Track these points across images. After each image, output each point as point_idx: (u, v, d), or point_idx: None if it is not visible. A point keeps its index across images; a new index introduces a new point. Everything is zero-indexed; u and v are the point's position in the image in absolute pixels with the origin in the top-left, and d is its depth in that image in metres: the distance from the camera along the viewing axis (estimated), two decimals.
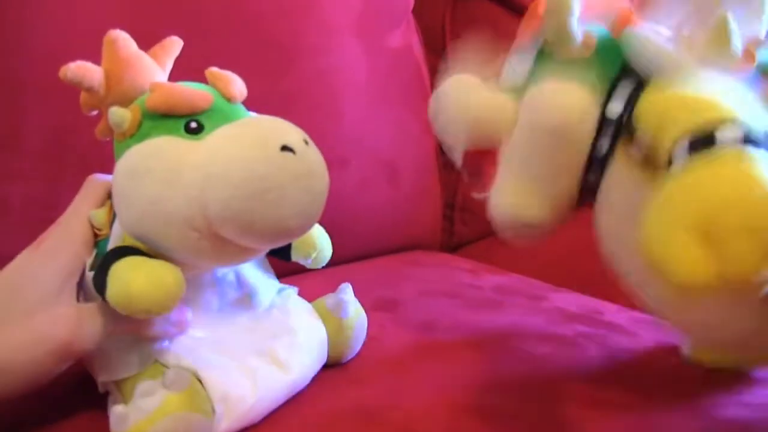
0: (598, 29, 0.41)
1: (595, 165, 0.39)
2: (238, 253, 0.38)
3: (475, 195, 0.44)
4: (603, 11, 0.42)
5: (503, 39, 0.88)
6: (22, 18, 0.57)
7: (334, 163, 0.38)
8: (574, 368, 0.44)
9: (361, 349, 0.47)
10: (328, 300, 0.45)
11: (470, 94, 0.43)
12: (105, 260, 0.35)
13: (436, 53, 0.90)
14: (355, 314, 0.45)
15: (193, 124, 0.36)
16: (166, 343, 0.38)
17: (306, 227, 0.37)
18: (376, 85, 0.74)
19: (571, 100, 0.38)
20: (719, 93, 0.34)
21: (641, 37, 0.39)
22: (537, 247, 0.66)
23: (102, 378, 0.39)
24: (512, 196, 0.41)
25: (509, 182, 0.41)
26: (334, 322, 0.44)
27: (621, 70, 0.39)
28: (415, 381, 0.43)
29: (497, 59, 0.44)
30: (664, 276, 0.29)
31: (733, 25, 0.36)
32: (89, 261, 0.39)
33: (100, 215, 0.39)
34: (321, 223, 0.42)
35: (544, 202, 0.40)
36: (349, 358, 0.45)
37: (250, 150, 0.34)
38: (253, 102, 0.41)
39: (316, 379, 0.43)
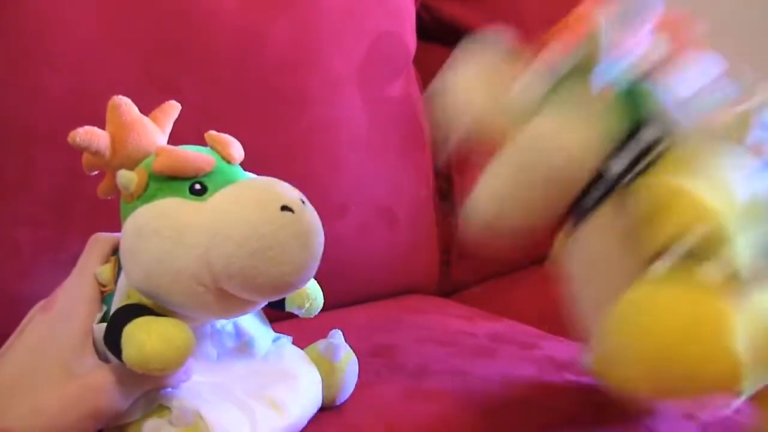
0: (624, 72, 0.41)
1: (579, 210, 0.40)
2: (241, 306, 0.40)
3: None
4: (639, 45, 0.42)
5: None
6: (37, 65, 0.59)
7: (333, 210, 0.40)
8: (561, 417, 0.45)
9: (357, 394, 0.48)
10: (320, 345, 0.47)
11: (482, 84, 0.43)
12: (115, 320, 0.37)
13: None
14: (346, 358, 0.47)
15: (198, 186, 0.39)
16: (169, 390, 0.40)
17: (304, 281, 0.39)
18: (375, 134, 0.76)
19: (575, 149, 0.39)
20: (727, 194, 0.34)
21: (664, 89, 0.40)
22: (532, 292, 0.68)
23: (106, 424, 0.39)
24: (490, 204, 0.42)
25: (490, 189, 0.42)
26: (326, 365, 0.46)
27: (638, 119, 0.40)
28: (407, 427, 0.44)
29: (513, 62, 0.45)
30: (608, 381, 0.31)
31: (756, 118, 0.37)
32: (99, 316, 0.40)
33: (106, 271, 0.41)
34: (320, 268, 0.43)
35: (519, 219, 0.41)
36: (342, 400, 0.47)
37: (252, 210, 0.36)
38: (258, 151, 0.44)
39: (312, 423, 0.44)
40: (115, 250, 0.42)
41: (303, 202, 0.38)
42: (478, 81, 0.44)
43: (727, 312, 0.30)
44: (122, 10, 0.63)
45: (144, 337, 0.36)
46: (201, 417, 0.38)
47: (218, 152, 0.41)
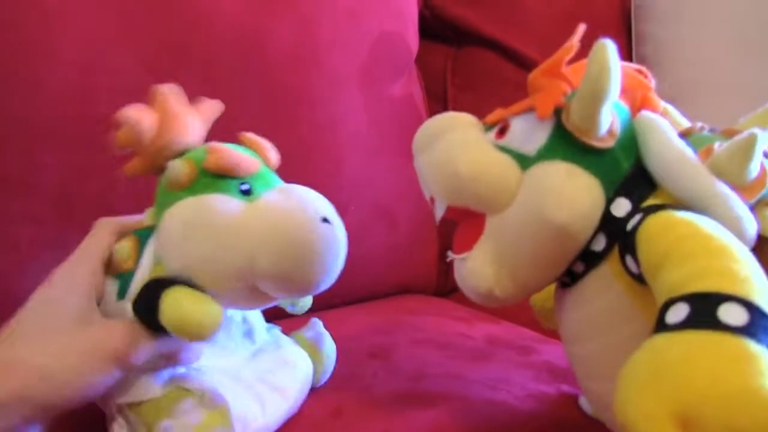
0: (621, 110, 0.40)
1: (586, 257, 0.39)
2: (265, 300, 0.43)
3: (450, 256, 0.43)
4: (626, 86, 0.41)
5: (504, 88, 0.90)
6: (38, 63, 0.59)
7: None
8: (555, 427, 0.45)
9: (355, 396, 0.49)
10: (307, 333, 0.51)
11: (467, 151, 0.41)
12: (151, 288, 0.39)
13: (438, 100, 0.92)
14: (329, 344, 0.51)
15: (245, 187, 0.42)
16: (182, 371, 0.42)
17: (328, 285, 0.43)
18: (376, 134, 0.76)
19: (581, 200, 0.37)
20: (733, 245, 0.32)
21: (657, 130, 0.38)
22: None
23: (121, 399, 0.41)
24: (486, 273, 0.40)
25: (487, 257, 0.40)
26: (313, 351, 0.50)
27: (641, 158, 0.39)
28: (404, 429, 0.45)
29: (500, 110, 0.43)
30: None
31: (760, 146, 0.36)
32: (115, 290, 0.41)
33: (125, 248, 0.42)
34: None
35: (519, 284, 0.40)
36: (324, 381, 0.51)
37: (297, 219, 0.40)
38: None
39: (311, 424, 0.45)
40: (125, 232, 0.43)
41: (335, 213, 0.42)
42: (474, 137, 0.42)
43: (755, 355, 0.27)
44: (124, 7, 0.63)
45: (188, 301, 0.38)
46: (224, 401, 0.40)
47: (261, 156, 0.44)
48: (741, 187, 0.36)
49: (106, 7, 0.62)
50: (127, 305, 0.40)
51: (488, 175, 0.40)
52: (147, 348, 0.39)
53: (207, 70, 0.65)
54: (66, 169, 0.59)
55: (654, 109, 0.42)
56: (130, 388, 0.41)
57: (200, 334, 0.38)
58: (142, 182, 0.44)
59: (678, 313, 0.30)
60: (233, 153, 0.42)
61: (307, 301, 0.51)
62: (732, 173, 0.36)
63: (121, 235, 0.43)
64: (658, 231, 0.34)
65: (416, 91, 0.84)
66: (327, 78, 0.71)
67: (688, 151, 0.37)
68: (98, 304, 0.41)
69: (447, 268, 0.87)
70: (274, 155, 0.45)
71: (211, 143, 0.43)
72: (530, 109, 0.40)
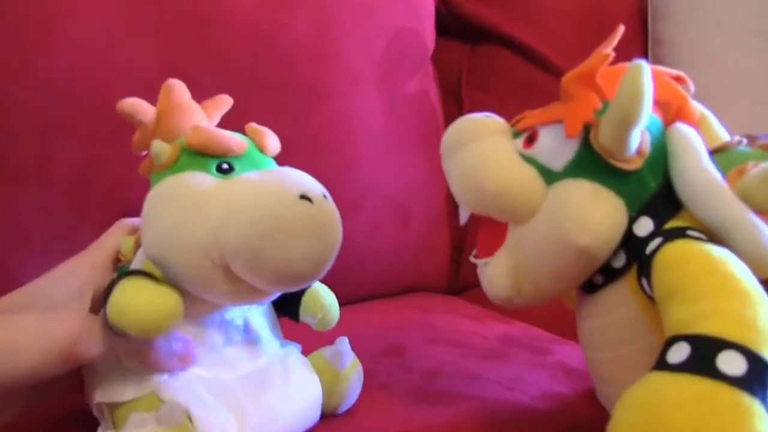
0: (654, 123, 0.39)
1: (606, 271, 0.39)
2: (249, 293, 0.39)
3: (472, 259, 0.44)
4: (661, 97, 0.40)
5: (519, 86, 0.89)
6: (50, 55, 0.59)
7: (347, 206, 0.40)
8: (572, 428, 0.44)
9: (369, 395, 0.48)
10: (326, 352, 0.46)
11: (493, 163, 0.41)
12: (118, 278, 0.37)
13: (453, 98, 0.92)
14: (352, 366, 0.46)
15: (225, 165, 0.40)
16: (165, 377, 0.39)
17: (314, 274, 0.38)
18: (391, 131, 0.75)
19: (604, 223, 0.37)
20: (746, 288, 0.32)
21: (686, 150, 0.38)
22: None
23: (97, 398, 0.39)
24: (506, 282, 0.40)
25: (510, 265, 0.40)
26: (331, 373, 0.45)
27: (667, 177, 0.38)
28: (419, 430, 0.44)
29: (530, 114, 0.43)
30: None
31: None
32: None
33: (128, 242, 0.42)
34: (332, 266, 0.43)
35: (538, 293, 0.40)
36: (345, 408, 0.46)
37: (270, 193, 0.37)
38: None
39: (322, 427, 0.44)
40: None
41: (324, 196, 0.38)
42: (502, 149, 0.41)
43: (746, 410, 0.28)
44: (138, 5, 0.62)
45: (134, 293, 0.36)
46: (190, 418, 0.37)
47: (253, 140, 0.42)
48: None
49: (118, 5, 0.61)
50: None
51: (512, 192, 0.40)
52: (97, 340, 0.37)
53: (220, 64, 0.64)
54: (78, 160, 0.59)
55: (689, 121, 0.41)
56: (108, 387, 0.39)
57: (142, 328, 0.36)
58: None
59: (679, 353, 0.30)
60: (216, 131, 0.41)
61: (329, 315, 0.45)
62: (761, 199, 0.36)
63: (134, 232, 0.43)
64: (673, 262, 0.34)
65: (432, 88, 0.83)
66: (342, 73, 0.71)
67: (717, 176, 0.37)
68: None
69: (458, 267, 0.86)
70: (272, 142, 0.43)
71: (196, 124, 0.42)
72: (560, 121, 0.40)
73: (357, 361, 0.47)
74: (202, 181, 0.39)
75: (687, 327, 0.31)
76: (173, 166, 0.40)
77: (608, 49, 0.39)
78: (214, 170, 0.40)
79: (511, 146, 0.42)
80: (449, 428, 0.44)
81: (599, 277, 0.39)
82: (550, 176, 0.40)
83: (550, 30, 0.90)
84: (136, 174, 0.43)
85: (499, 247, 0.41)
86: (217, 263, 0.37)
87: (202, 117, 0.44)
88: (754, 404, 0.28)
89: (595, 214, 0.37)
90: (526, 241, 0.40)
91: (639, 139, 0.38)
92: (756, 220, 0.35)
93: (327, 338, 0.47)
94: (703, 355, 0.30)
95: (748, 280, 0.32)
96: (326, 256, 0.38)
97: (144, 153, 0.44)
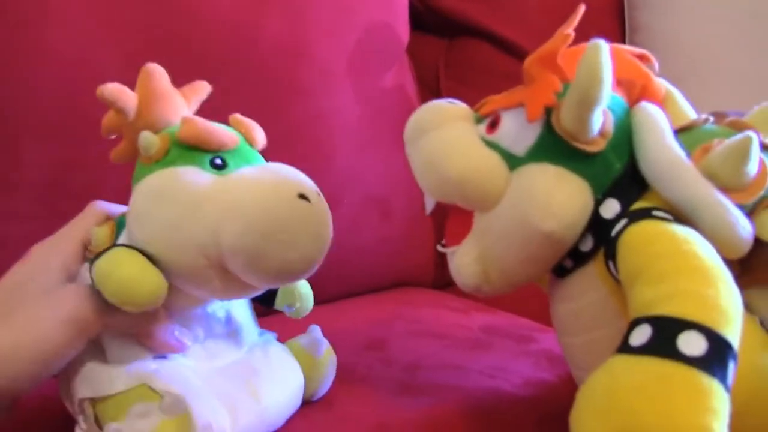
0: (617, 104, 0.39)
1: (574, 255, 0.39)
2: (240, 289, 0.39)
3: (440, 248, 0.44)
4: (624, 76, 0.40)
5: (497, 79, 0.90)
6: (23, 59, 0.58)
7: (326, 202, 0.39)
8: (555, 414, 0.44)
9: (349, 387, 0.48)
10: (302, 339, 0.46)
11: (457, 149, 0.40)
12: (105, 249, 0.37)
13: (431, 92, 0.91)
14: (327, 353, 0.47)
15: (218, 161, 0.39)
16: (153, 367, 0.39)
17: (308, 272, 0.39)
18: (368, 125, 0.75)
19: (569, 208, 0.37)
20: (709, 267, 0.32)
21: (650, 129, 0.37)
22: (530, 284, 0.67)
23: (83, 394, 0.39)
24: (474, 269, 0.40)
25: (478, 253, 0.40)
26: (308, 360, 0.45)
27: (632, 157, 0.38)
28: (399, 422, 0.44)
29: (492, 99, 0.42)
30: None
31: (756, 149, 0.35)
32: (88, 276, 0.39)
33: (102, 233, 0.41)
34: None
35: (507, 280, 0.40)
36: (321, 394, 0.46)
37: (270, 192, 0.37)
38: None
39: (303, 417, 0.44)
40: (117, 216, 0.42)
41: (319, 194, 0.39)
42: (465, 136, 0.41)
43: (705, 390, 0.28)
44: (112, 3, 0.62)
45: (122, 260, 0.36)
46: (187, 408, 0.37)
47: (242, 134, 0.42)
48: (738, 189, 0.36)
49: (94, 2, 0.61)
50: None
51: (475, 178, 0.39)
52: (102, 309, 0.37)
53: (196, 63, 0.64)
54: (52, 164, 0.58)
55: (654, 99, 0.41)
56: (93, 382, 0.39)
57: (122, 296, 0.35)
58: (129, 176, 0.43)
59: (641, 335, 0.30)
60: (208, 125, 0.40)
61: (305, 304, 0.46)
62: (725, 177, 0.36)
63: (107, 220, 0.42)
64: (637, 243, 0.34)
65: (408, 82, 0.83)
66: (317, 69, 0.70)
67: (681, 154, 0.37)
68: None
69: (444, 261, 0.86)
70: (259, 135, 0.43)
71: (186, 115, 0.41)
72: (521, 105, 0.39)
73: (330, 348, 0.47)
74: (197, 177, 0.38)
75: (649, 309, 0.31)
76: (163, 160, 0.39)
77: (569, 29, 0.39)
78: (207, 165, 0.39)
79: (474, 132, 0.41)
80: (429, 417, 0.44)
81: (569, 261, 0.39)
82: (513, 161, 0.39)
83: (527, 22, 0.90)
84: (109, 176, 0.43)
85: (466, 236, 0.41)
86: (213, 262, 0.37)
87: (183, 105, 0.43)
88: (712, 384, 0.28)
89: (559, 198, 0.37)
90: (492, 228, 0.39)
91: (601, 119, 0.37)
92: (721, 198, 0.35)
93: (299, 326, 0.48)
94: (664, 337, 0.30)
95: (712, 259, 0.32)
96: (321, 254, 0.38)
97: (113, 137, 0.43)
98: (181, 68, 0.62)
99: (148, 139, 0.39)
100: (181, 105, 0.43)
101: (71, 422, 0.40)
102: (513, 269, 0.39)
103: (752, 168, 0.35)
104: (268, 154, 0.44)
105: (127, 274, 0.36)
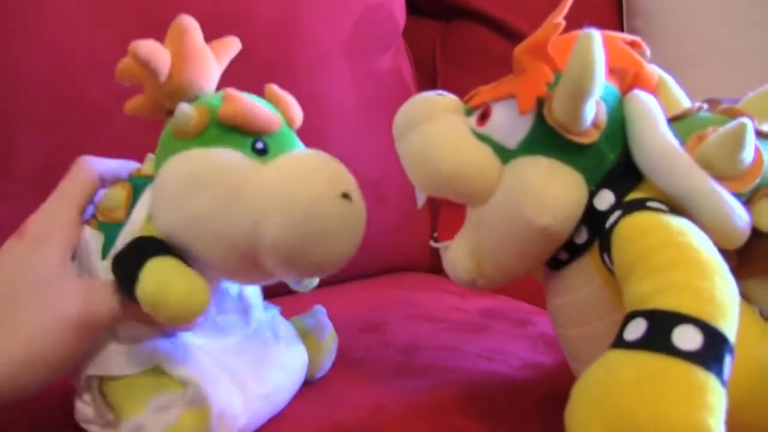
0: (610, 93, 0.38)
1: (569, 247, 0.38)
2: (264, 277, 0.38)
3: (433, 244, 0.43)
4: (616, 65, 0.39)
5: (493, 62, 0.89)
6: (16, 44, 0.57)
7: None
8: (553, 397, 0.44)
9: (347, 370, 0.47)
10: (308, 320, 0.46)
11: (447, 143, 0.39)
12: (134, 251, 0.35)
13: (426, 75, 0.91)
14: (330, 337, 0.46)
15: (260, 145, 0.37)
16: (167, 348, 0.38)
17: (332, 270, 0.38)
18: (364, 108, 0.74)
19: (563, 201, 0.36)
20: (704, 259, 0.31)
21: (643, 117, 0.37)
22: None
23: (91, 371, 0.37)
24: (468, 264, 0.39)
25: (471, 248, 0.39)
26: (313, 342, 0.45)
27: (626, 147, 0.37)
28: (396, 404, 0.43)
29: (483, 90, 0.41)
30: None
31: (750, 136, 0.34)
32: (99, 245, 0.38)
33: (117, 196, 0.38)
34: None
35: (502, 273, 0.39)
36: (320, 376, 0.46)
37: (313, 191, 0.35)
38: None
39: (302, 399, 0.43)
40: (113, 179, 0.40)
41: (357, 190, 0.38)
42: (455, 129, 0.40)
43: (700, 385, 0.28)
44: None
45: (170, 281, 0.34)
46: (206, 401, 0.36)
47: (282, 112, 0.40)
48: (733, 177, 0.35)
49: None
50: (108, 264, 0.36)
51: (466, 172, 0.39)
52: (110, 305, 0.35)
53: None
54: (45, 149, 0.58)
55: (647, 87, 0.40)
56: (103, 360, 0.37)
57: (178, 318, 0.33)
58: (124, 158, 0.42)
59: (636, 329, 0.30)
60: (252, 105, 0.37)
61: (312, 281, 0.45)
62: (721, 165, 0.35)
63: (110, 180, 0.39)
64: (631, 235, 0.34)
65: (404, 65, 0.82)
66: (311, 51, 0.70)
67: (674, 143, 0.36)
68: (73, 258, 0.37)
69: None
70: (298, 114, 0.41)
71: (228, 90, 0.38)
72: (512, 96, 0.39)
73: (334, 332, 0.47)
74: (237, 163, 0.36)
75: (644, 302, 0.31)
76: (201, 137, 0.36)
77: (559, 17, 0.38)
78: (249, 150, 0.37)
79: (464, 125, 0.40)
80: (427, 400, 0.44)
81: (564, 254, 0.38)
82: (505, 154, 0.38)
83: (524, 4, 0.89)
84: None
85: (458, 230, 0.40)
86: (248, 254, 0.36)
87: (215, 67, 0.40)
88: (708, 379, 0.28)
89: (553, 190, 0.36)
90: (485, 222, 0.39)
91: (594, 110, 0.36)
92: (716, 187, 0.34)
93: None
94: (659, 331, 0.29)
95: (707, 251, 0.32)
96: (355, 250, 0.38)
97: (127, 85, 0.40)
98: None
99: (186, 113, 0.36)
100: (213, 68, 0.40)
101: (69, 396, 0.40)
102: (507, 263, 0.39)
103: (747, 155, 0.35)
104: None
105: (178, 295, 0.33)
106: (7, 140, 0.57)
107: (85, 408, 0.38)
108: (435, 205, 0.43)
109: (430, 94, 0.43)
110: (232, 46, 0.43)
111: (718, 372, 0.28)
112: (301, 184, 0.35)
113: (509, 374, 0.48)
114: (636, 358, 0.29)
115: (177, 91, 0.38)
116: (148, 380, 0.37)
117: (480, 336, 0.54)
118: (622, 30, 0.90)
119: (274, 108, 0.39)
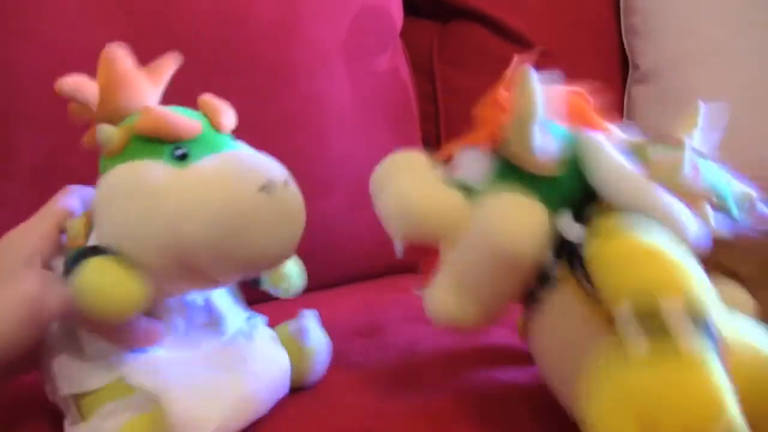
0: (562, 134, 0.40)
1: (542, 279, 0.39)
2: (208, 283, 0.39)
3: (415, 292, 0.44)
4: (567, 112, 0.41)
5: (492, 62, 0.89)
6: (14, 45, 0.57)
7: (319, 187, 0.39)
8: (552, 403, 0.44)
9: (344, 374, 0.47)
10: (290, 326, 0.46)
11: (419, 189, 0.41)
12: (76, 257, 0.36)
13: (424, 76, 0.91)
14: (317, 342, 0.46)
15: (179, 152, 0.38)
16: (132, 361, 0.38)
17: (276, 264, 0.38)
18: (362, 109, 0.74)
19: (528, 227, 0.37)
20: (670, 250, 0.33)
21: (594, 147, 0.39)
22: None
23: (63, 391, 0.38)
24: (449, 303, 0.40)
25: (448, 288, 0.41)
26: (295, 348, 0.44)
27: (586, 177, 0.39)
28: (395, 407, 0.43)
29: (450, 146, 0.44)
30: None
31: (690, 154, 0.37)
32: (61, 267, 0.38)
33: (77, 225, 0.39)
34: (307, 248, 0.42)
35: (480, 310, 0.40)
36: (312, 382, 0.46)
37: (229, 186, 0.35)
38: (240, 126, 0.42)
39: (296, 404, 0.43)
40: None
41: (286, 183, 0.37)
42: (420, 174, 0.42)
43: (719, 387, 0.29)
44: None
45: (100, 270, 0.35)
46: (161, 404, 0.36)
47: (208, 118, 0.40)
48: (684, 196, 0.37)
49: None
50: None
51: (438, 212, 0.41)
52: (62, 295, 0.36)
53: (186, 47, 0.60)
54: (44, 151, 0.58)
55: (598, 129, 0.42)
56: (73, 378, 0.38)
57: (107, 307, 0.34)
58: None
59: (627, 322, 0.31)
60: (165, 114, 0.38)
61: (293, 283, 0.45)
62: (668, 176, 0.37)
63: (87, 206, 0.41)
64: (605, 262, 0.34)
65: (402, 66, 0.82)
66: (309, 51, 0.70)
67: (626, 163, 0.38)
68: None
69: None
70: (227, 119, 0.41)
71: (146, 105, 0.40)
72: (474, 143, 0.42)
73: (323, 336, 0.46)
74: (155, 172, 0.37)
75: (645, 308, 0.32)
76: (123, 154, 0.38)
77: (508, 77, 0.41)
78: (168, 157, 0.37)
79: (434, 174, 0.42)
80: (426, 405, 0.43)
81: (538, 287, 0.39)
82: (473, 194, 0.40)
83: (521, 4, 0.89)
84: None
85: (435, 273, 0.42)
86: (178, 259, 0.36)
87: (148, 88, 0.41)
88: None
89: (517, 217, 0.38)
90: (458, 260, 0.40)
91: (545, 139, 0.38)
92: (669, 196, 0.37)
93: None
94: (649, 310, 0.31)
95: (680, 257, 0.33)
96: (291, 244, 0.38)
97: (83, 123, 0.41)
98: (168, 53, 0.62)
99: (105, 132, 0.38)
100: (146, 88, 0.41)
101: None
102: (487, 298, 0.40)
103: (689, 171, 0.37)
104: (260, 139, 0.42)
105: (101, 286, 0.34)
106: (7, 142, 0.57)
107: (71, 430, 0.38)
108: None
109: (402, 152, 0.45)
110: (168, 65, 0.44)
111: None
112: (214, 182, 0.36)
113: (507, 379, 0.47)
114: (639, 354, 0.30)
115: (113, 115, 0.39)
116: (109, 392, 0.37)
117: (479, 339, 0.54)
118: (619, 29, 0.90)
119: (199, 116, 0.40)
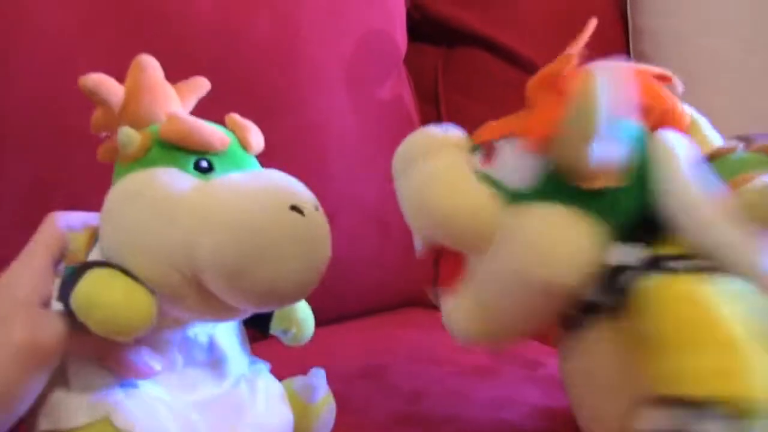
0: (632, 133, 0.34)
1: (583, 306, 0.34)
2: (219, 311, 0.35)
3: (431, 297, 0.40)
4: (641, 102, 0.35)
5: (499, 88, 0.88)
6: (4, 67, 0.56)
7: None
8: None
9: (346, 419, 0.44)
10: (297, 382, 0.42)
11: (445, 182, 0.36)
12: (76, 269, 0.33)
13: (429, 101, 0.89)
14: (323, 401, 0.42)
15: (204, 163, 0.36)
16: (119, 398, 0.35)
17: (298, 295, 0.35)
18: (365, 137, 0.72)
19: (571, 254, 0.32)
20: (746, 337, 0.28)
21: (670, 163, 0.33)
22: None
23: (43, 426, 0.35)
24: (471, 329, 0.36)
25: (472, 306, 0.36)
26: (300, 406, 0.41)
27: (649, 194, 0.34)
28: None
29: (491, 126, 0.38)
30: None
31: None
32: (55, 289, 0.36)
33: (79, 239, 0.37)
34: None
35: (507, 334, 0.36)
36: None
37: (255, 201, 0.33)
38: None
39: None
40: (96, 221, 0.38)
41: (317, 207, 0.35)
42: (455, 174, 0.37)
43: None
44: (94, 10, 0.60)
45: (104, 282, 0.32)
46: None
47: (236, 135, 0.38)
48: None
49: (76, 10, 0.59)
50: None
51: (463, 217, 0.35)
52: (57, 331, 0.34)
53: (182, 73, 0.60)
54: (33, 175, 0.57)
55: (677, 126, 0.36)
56: (54, 413, 0.35)
57: (112, 323, 0.32)
58: None
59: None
60: (194, 122, 0.36)
61: (304, 330, 0.41)
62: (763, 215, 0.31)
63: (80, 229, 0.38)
64: (654, 305, 0.30)
65: (406, 93, 0.81)
66: (310, 77, 0.68)
67: (702, 191, 0.32)
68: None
69: None
70: (255, 138, 0.39)
71: (173, 112, 0.38)
72: (520, 134, 0.35)
73: (330, 395, 0.43)
74: (176, 180, 0.34)
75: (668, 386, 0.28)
76: (143, 159, 0.35)
77: (577, 48, 0.35)
78: (191, 168, 0.35)
79: (465, 164, 0.37)
80: None
81: (578, 313, 0.35)
82: (509, 198, 0.35)
83: (527, 29, 0.89)
84: (93, 189, 0.39)
85: (460, 278, 0.37)
86: (188, 277, 0.33)
87: (175, 101, 0.39)
88: None
89: (560, 242, 0.32)
90: (486, 274, 0.35)
91: (608, 152, 0.33)
92: (749, 241, 0.31)
93: (300, 356, 0.44)
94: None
95: (738, 327, 0.29)
96: (315, 276, 0.34)
97: (104, 135, 0.39)
98: (167, 75, 0.61)
99: (127, 135, 0.35)
100: (173, 100, 0.39)
101: None
102: (512, 322, 0.35)
103: None
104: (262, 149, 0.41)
105: (112, 300, 0.32)
106: None
107: None
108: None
109: (431, 129, 0.40)
110: (201, 86, 0.42)
111: None
112: (240, 196, 0.33)
113: (519, 423, 0.46)
114: None
115: (135, 122, 0.37)
116: (93, 430, 0.34)
117: (488, 380, 0.52)
118: (628, 53, 0.89)
119: (228, 132, 0.38)
